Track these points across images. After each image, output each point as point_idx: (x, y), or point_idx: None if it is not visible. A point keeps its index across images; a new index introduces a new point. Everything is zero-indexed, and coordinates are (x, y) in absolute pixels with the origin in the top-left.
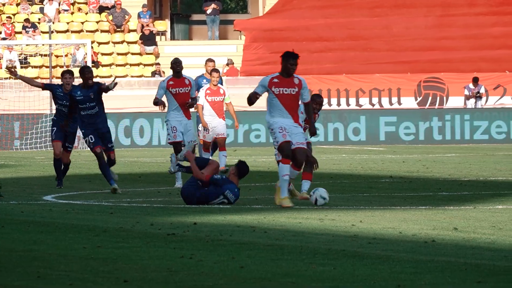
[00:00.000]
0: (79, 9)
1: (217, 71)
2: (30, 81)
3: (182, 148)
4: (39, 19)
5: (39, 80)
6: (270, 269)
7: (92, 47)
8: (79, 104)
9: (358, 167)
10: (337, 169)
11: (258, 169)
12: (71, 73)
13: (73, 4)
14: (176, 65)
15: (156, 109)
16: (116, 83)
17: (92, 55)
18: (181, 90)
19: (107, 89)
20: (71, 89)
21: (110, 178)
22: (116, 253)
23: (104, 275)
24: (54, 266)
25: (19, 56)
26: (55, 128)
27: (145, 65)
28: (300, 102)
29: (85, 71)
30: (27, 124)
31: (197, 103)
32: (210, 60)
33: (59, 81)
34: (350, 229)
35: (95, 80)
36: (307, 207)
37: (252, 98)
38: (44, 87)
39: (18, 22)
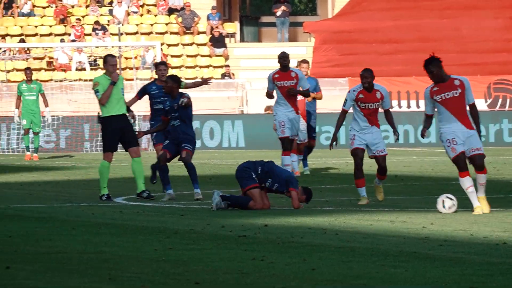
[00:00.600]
0: (148, 11)
1: (306, 61)
2: (130, 103)
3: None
4: (109, 21)
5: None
6: (342, 271)
7: (161, 49)
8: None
9: (428, 169)
10: (407, 171)
11: (329, 171)
12: (165, 64)
13: (142, 6)
14: (283, 59)
15: (226, 111)
16: (185, 104)
17: (161, 57)
18: (286, 83)
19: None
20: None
21: (166, 184)
22: (187, 255)
23: (175, 277)
24: (125, 268)
25: (89, 58)
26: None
27: (214, 67)
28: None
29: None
30: (97, 126)
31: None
32: (304, 61)
33: (129, 83)
34: (421, 231)
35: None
36: (378, 209)
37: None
38: (139, 96)
39: (87, 24)
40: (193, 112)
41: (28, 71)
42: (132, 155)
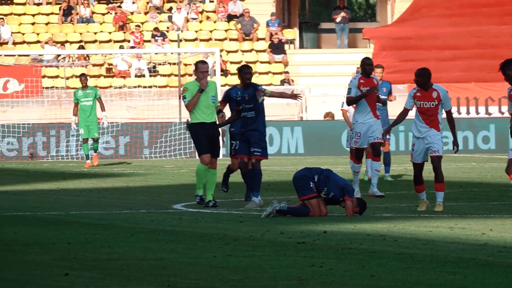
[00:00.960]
0: (208, 18)
1: (380, 66)
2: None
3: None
4: (168, 27)
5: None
6: (401, 278)
7: (221, 56)
8: (237, 104)
9: (488, 175)
10: (467, 177)
11: (388, 177)
12: (248, 67)
13: (201, 12)
14: (369, 66)
15: (286, 117)
16: (263, 100)
17: (221, 64)
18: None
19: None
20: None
21: (253, 190)
22: (246, 262)
23: (234, 283)
24: (184, 275)
25: (148, 65)
26: (235, 142)
27: (274, 73)
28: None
29: (243, 70)
30: (156, 132)
31: (341, 108)
32: (378, 66)
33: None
34: (481, 237)
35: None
36: (437, 215)
37: None
38: (224, 102)
39: (146, 31)
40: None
41: (83, 77)
42: (209, 166)
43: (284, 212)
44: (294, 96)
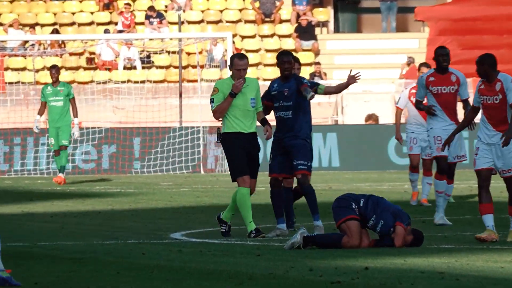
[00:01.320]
0: None
1: (427, 65)
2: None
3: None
4: (166, 6)
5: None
6: None
7: (233, 42)
8: (269, 100)
9: None
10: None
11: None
12: (289, 54)
13: None
14: (442, 57)
15: (317, 121)
16: (312, 96)
17: (233, 52)
18: (445, 89)
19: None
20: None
21: (278, 216)
22: None
23: None
24: None
25: (141, 54)
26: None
27: (301, 64)
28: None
29: (281, 58)
30: (150, 140)
31: (396, 105)
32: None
33: (193, 85)
34: None
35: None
36: (510, 247)
37: None
38: (267, 100)
39: (139, 11)
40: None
41: (53, 70)
42: None
43: (313, 240)
44: (352, 78)
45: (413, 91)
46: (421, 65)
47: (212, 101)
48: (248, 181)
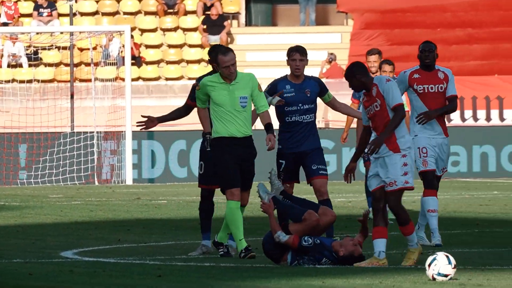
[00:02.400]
0: None
1: (390, 63)
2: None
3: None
4: None
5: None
6: None
7: (132, 37)
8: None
9: None
10: (485, 212)
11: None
12: (302, 51)
13: None
14: (426, 53)
15: None
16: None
17: (132, 48)
18: (431, 88)
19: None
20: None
21: (205, 231)
22: None
23: None
24: None
25: (27, 50)
26: (284, 161)
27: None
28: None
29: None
30: (38, 147)
31: (352, 97)
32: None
33: (86, 85)
34: None
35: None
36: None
37: None
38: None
39: (25, 1)
40: (177, 127)
41: None
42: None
43: (278, 204)
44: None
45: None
46: (383, 62)
47: (196, 98)
48: (238, 193)
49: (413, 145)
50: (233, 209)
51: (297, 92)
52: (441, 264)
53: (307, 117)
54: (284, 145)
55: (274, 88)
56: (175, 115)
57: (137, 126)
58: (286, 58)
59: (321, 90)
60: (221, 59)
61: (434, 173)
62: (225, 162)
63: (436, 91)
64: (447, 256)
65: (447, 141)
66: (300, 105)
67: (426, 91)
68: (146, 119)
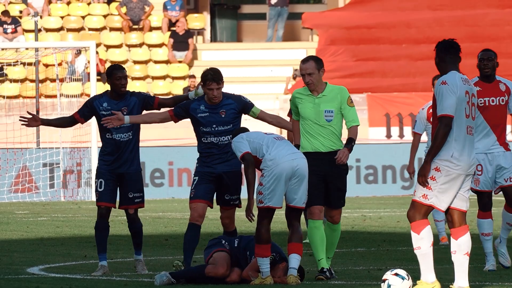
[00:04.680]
0: None
1: None
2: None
3: None
4: (21, 11)
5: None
6: None
7: (97, 53)
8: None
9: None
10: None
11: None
12: (217, 79)
13: None
14: (485, 61)
15: (191, 141)
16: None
17: (97, 64)
18: (492, 100)
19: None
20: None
21: (103, 251)
22: None
23: None
24: None
25: None
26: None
27: (174, 78)
28: None
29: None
30: (3, 163)
31: (413, 130)
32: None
33: (51, 101)
34: None
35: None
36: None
37: None
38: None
39: None
40: (142, 143)
41: None
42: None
43: (182, 276)
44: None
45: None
46: (436, 78)
47: None
48: (317, 212)
49: None
50: (312, 228)
51: (211, 113)
52: (397, 285)
53: (223, 138)
54: (200, 165)
55: (187, 104)
56: (58, 123)
57: (20, 121)
58: (201, 83)
59: (243, 107)
60: (114, 74)
61: (490, 194)
62: (308, 179)
63: (497, 104)
64: (396, 274)
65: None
66: (214, 126)
67: (487, 104)
68: (30, 116)
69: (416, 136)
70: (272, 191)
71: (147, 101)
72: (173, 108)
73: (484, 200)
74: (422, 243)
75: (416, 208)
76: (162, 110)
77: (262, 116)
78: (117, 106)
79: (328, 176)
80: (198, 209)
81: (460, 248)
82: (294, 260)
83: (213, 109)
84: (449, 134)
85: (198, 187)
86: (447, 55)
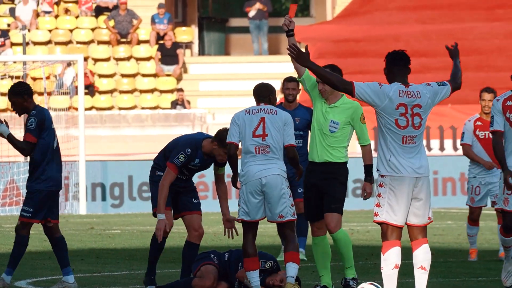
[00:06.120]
0: (67, 11)
1: (490, 90)
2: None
3: None
4: (9, 25)
5: None
6: None
7: (85, 66)
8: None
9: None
10: (439, 242)
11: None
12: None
13: (57, 3)
14: None
15: None
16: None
17: (87, 76)
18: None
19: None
20: None
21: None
22: None
23: None
24: None
25: None
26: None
27: (162, 91)
28: None
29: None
30: None
31: (462, 142)
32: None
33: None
34: None
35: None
36: None
37: None
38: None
39: None
40: (131, 157)
41: None
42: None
43: None
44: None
45: (478, 123)
46: (483, 90)
47: None
48: (315, 229)
49: None
50: (312, 245)
51: None
52: None
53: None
54: None
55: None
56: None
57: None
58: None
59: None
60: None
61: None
62: (304, 193)
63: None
64: (372, 284)
65: None
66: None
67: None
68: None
69: (465, 147)
70: (246, 206)
71: None
72: None
73: (508, 221)
74: (385, 264)
75: (382, 229)
76: None
77: None
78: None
79: (321, 187)
80: None
81: (415, 262)
82: (291, 269)
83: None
84: (384, 144)
85: None
86: (394, 66)
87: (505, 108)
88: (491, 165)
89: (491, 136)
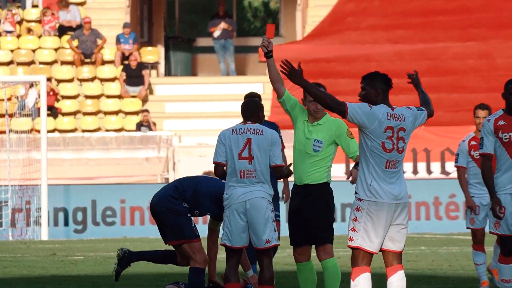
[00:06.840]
0: (29, 30)
1: (484, 107)
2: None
3: None
4: None
5: None
6: None
7: (48, 87)
8: None
9: (445, 264)
10: (412, 268)
11: None
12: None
13: (19, 23)
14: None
15: (144, 178)
16: None
17: (51, 95)
18: None
19: None
20: None
21: None
22: None
23: None
24: None
25: None
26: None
27: (126, 113)
28: None
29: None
30: None
31: (456, 164)
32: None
33: (0, 137)
34: None
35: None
36: None
37: None
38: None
39: None
40: (95, 181)
41: None
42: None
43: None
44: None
45: (473, 142)
46: (477, 107)
47: None
48: (298, 255)
49: None
50: (297, 271)
51: None
52: None
53: None
54: None
55: None
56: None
57: None
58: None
59: None
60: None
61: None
62: (288, 218)
63: None
64: None
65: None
66: None
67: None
68: None
69: (461, 169)
70: (229, 230)
71: None
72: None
73: (508, 245)
74: None
75: (352, 254)
76: None
77: None
78: None
79: (304, 212)
80: None
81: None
82: None
83: None
84: (366, 168)
85: None
86: (385, 87)
87: (497, 128)
88: (471, 206)
89: None
